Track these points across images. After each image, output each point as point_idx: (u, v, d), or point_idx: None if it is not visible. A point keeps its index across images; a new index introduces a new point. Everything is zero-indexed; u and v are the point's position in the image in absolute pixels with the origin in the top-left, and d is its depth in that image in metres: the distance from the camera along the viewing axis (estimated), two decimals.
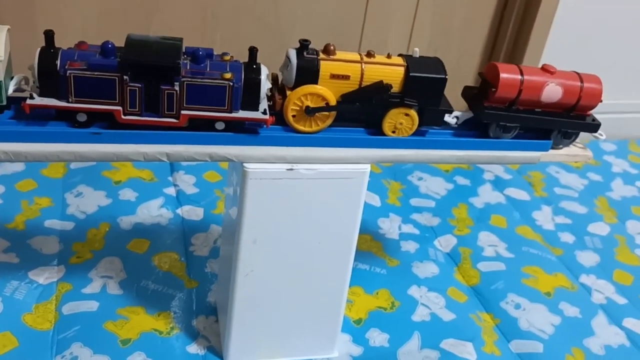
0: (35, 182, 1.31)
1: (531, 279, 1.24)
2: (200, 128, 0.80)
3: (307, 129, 0.84)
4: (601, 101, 0.91)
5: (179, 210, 1.29)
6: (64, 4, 1.35)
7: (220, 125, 0.81)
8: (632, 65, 1.78)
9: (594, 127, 0.93)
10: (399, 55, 0.87)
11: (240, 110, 0.80)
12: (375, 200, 1.42)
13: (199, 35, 1.45)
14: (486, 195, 1.50)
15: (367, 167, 0.85)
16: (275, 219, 0.86)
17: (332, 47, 0.83)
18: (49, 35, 0.76)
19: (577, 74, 0.91)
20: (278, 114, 0.83)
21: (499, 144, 0.90)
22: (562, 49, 1.66)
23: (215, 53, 0.81)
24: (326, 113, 0.83)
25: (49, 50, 0.75)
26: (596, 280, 1.27)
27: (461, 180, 1.55)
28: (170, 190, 1.35)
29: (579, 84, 0.90)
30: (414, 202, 1.44)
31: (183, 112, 0.78)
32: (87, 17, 1.37)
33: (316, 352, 1.01)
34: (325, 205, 0.87)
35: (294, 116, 0.83)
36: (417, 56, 0.86)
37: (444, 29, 1.63)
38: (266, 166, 0.82)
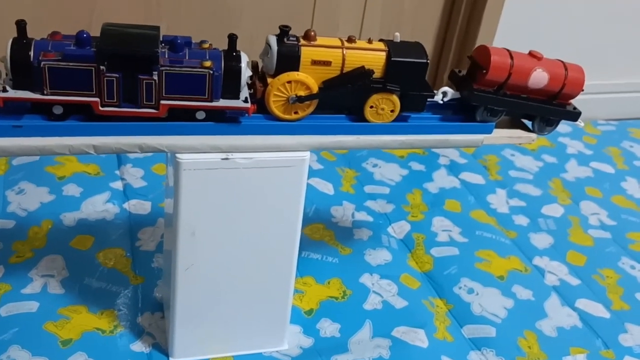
0: None
1: (484, 263, 1.23)
2: (180, 118, 0.78)
3: (289, 116, 0.82)
4: (583, 90, 0.91)
5: (125, 205, 1.26)
6: None
7: (200, 115, 0.78)
8: (583, 45, 1.79)
9: (575, 115, 0.93)
10: (380, 40, 0.85)
11: (221, 99, 0.78)
12: (329, 189, 1.40)
13: (143, 20, 1.41)
14: (441, 180, 1.49)
15: (307, 155, 0.83)
16: (214, 210, 0.83)
17: (312, 33, 0.81)
18: (21, 25, 0.73)
19: (562, 62, 0.91)
20: (259, 102, 0.81)
21: (443, 127, 0.89)
22: (515, 27, 1.66)
23: (193, 41, 0.79)
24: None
25: (21, 41, 0.72)
26: (549, 262, 1.27)
27: (416, 166, 1.53)
28: (117, 184, 1.31)
29: (563, 71, 0.90)
30: (368, 189, 1.43)
31: (162, 102, 0.76)
32: (22, 5, 1.32)
33: (265, 345, 0.99)
34: (264, 195, 0.84)
35: (276, 104, 0.81)
36: (398, 41, 0.85)
37: (396, 11, 1.61)
38: (200, 156, 0.79)
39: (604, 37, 1.83)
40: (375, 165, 1.51)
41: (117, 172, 1.35)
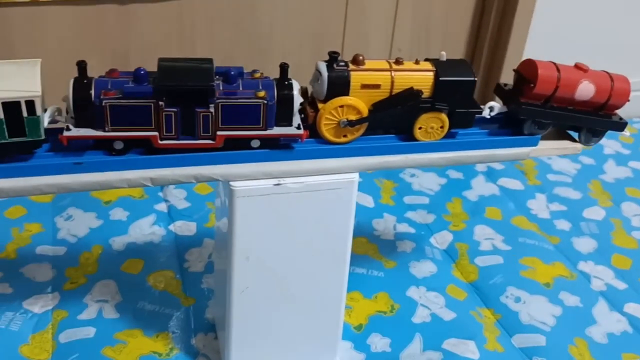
0: (24, 208, 1.30)
1: (529, 270, 1.23)
2: (236, 147, 0.80)
3: (340, 140, 0.84)
4: (629, 101, 0.92)
5: (171, 227, 1.28)
6: (39, 25, 1.33)
7: (255, 143, 0.80)
8: (617, 42, 1.77)
9: (621, 125, 0.94)
10: (426, 59, 0.87)
11: (275, 127, 0.80)
12: (369, 201, 1.41)
13: (177, 45, 1.44)
14: (480, 187, 1.49)
15: (355, 176, 0.84)
16: (267, 234, 0.85)
17: (361, 58, 0.83)
18: (82, 66, 0.75)
19: (607, 73, 0.92)
20: (311, 127, 0.83)
21: (489, 142, 0.89)
22: (545, 37, 1.65)
23: (245, 71, 0.81)
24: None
25: (82, 80, 0.75)
26: (595, 266, 1.27)
27: (454, 174, 1.54)
28: (162, 207, 1.34)
29: (609, 82, 0.91)
30: (408, 199, 1.43)
31: (219, 132, 0.78)
32: (61, 36, 1.35)
33: None
34: (315, 217, 0.86)
35: (327, 129, 0.83)
36: (445, 59, 0.86)
37: (426, 23, 1.61)
38: (253, 183, 0.81)
39: (635, 34, 1.81)
40: (412, 175, 1.52)
41: (161, 194, 1.38)
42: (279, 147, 0.82)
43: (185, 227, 1.28)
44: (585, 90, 0.89)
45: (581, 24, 1.72)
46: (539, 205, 1.45)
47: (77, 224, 1.26)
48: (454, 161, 0.88)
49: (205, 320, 1.07)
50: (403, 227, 1.34)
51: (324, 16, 1.52)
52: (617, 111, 0.94)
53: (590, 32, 1.73)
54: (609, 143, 1.74)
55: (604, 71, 0.91)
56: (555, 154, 0.92)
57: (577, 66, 0.90)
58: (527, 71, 0.89)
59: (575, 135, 0.95)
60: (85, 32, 1.37)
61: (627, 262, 1.29)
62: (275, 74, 0.82)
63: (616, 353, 1.07)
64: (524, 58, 0.98)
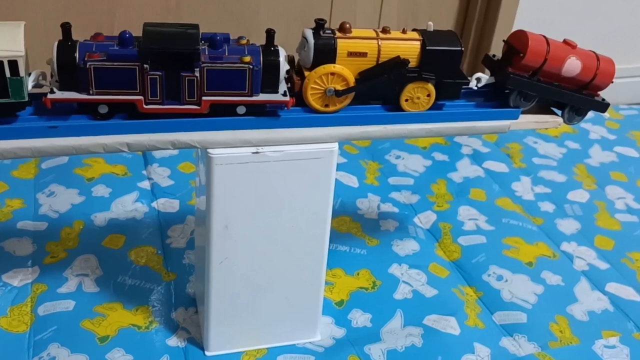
0: (5, 184, 1.29)
1: (512, 249, 1.24)
2: (222, 113, 0.80)
3: (327, 109, 0.84)
4: (612, 82, 0.92)
5: (154, 204, 1.27)
6: (23, 3, 1.32)
7: (241, 110, 0.80)
8: (604, 29, 1.78)
9: (604, 106, 0.94)
10: (414, 29, 0.86)
11: (261, 94, 0.79)
12: (353, 181, 1.41)
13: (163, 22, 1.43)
14: (465, 169, 1.49)
15: (335, 146, 0.84)
16: (245, 204, 0.85)
17: (347, 25, 0.83)
18: (66, 27, 0.74)
19: (595, 53, 0.92)
20: (297, 95, 0.83)
21: (469, 115, 0.89)
22: (534, 12, 1.65)
23: (231, 37, 0.80)
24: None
25: (67, 43, 0.74)
26: (577, 247, 1.27)
27: (439, 156, 1.54)
28: (145, 184, 1.33)
29: (596, 62, 0.91)
30: (393, 180, 1.43)
31: (204, 98, 0.78)
32: (47, 12, 1.34)
33: (298, 336, 1.00)
34: (295, 187, 0.85)
35: (314, 97, 0.82)
36: (432, 30, 0.86)
37: (412, 1, 1.61)
38: (231, 150, 0.80)
39: (625, 21, 1.82)
40: (398, 157, 1.52)
41: (144, 172, 1.37)
42: (265, 115, 0.81)
43: (168, 205, 1.27)
44: (572, 66, 0.89)
45: (571, 4, 1.71)
46: (523, 188, 1.45)
47: (59, 200, 1.25)
48: (434, 132, 0.88)
49: (186, 295, 1.07)
50: (387, 207, 1.34)
51: None
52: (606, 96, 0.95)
53: (580, 11, 1.73)
54: (595, 128, 1.75)
55: (591, 51, 0.91)
56: (536, 127, 0.92)
57: (566, 42, 0.90)
58: (518, 42, 0.89)
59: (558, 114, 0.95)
60: (70, 9, 1.36)
61: (610, 243, 1.29)
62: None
63: (596, 330, 1.08)
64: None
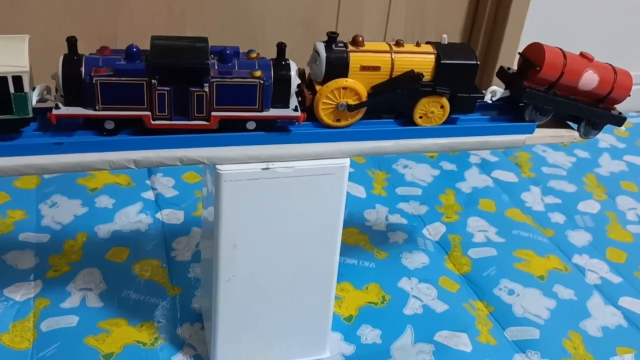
0: (7, 194, 1.26)
1: (523, 262, 1.21)
2: (231, 129, 0.77)
3: (338, 123, 0.82)
4: (629, 95, 0.90)
5: (158, 215, 1.25)
6: (24, 11, 1.30)
7: (251, 125, 0.78)
8: (612, 36, 1.76)
9: (620, 120, 0.93)
10: (427, 42, 0.84)
11: (271, 109, 0.77)
12: (361, 192, 1.39)
13: (166, 31, 1.41)
14: (473, 179, 1.47)
15: (347, 162, 0.82)
16: (255, 221, 0.82)
17: (360, 39, 0.80)
18: (72, 41, 0.72)
19: (611, 66, 0.90)
20: (308, 110, 0.80)
21: (483, 129, 0.87)
22: (543, 22, 1.63)
23: (241, 51, 0.78)
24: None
25: (72, 57, 0.72)
26: (589, 259, 1.25)
27: (447, 166, 1.51)
28: (149, 195, 1.31)
29: (613, 75, 0.89)
30: (400, 191, 1.41)
31: (213, 113, 0.75)
32: (48, 19, 1.32)
33: (307, 353, 0.98)
34: (305, 204, 0.83)
35: (325, 112, 0.80)
36: (446, 43, 0.84)
37: (420, 10, 1.59)
38: (241, 167, 0.78)
39: (633, 27, 1.80)
40: (405, 167, 1.50)
41: (148, 182, 1.35)
42: (274, 130, 0.79)
43: (172, 216, 1.25)
44: (589, 79, 0.87)
45: (579, 13, 1.70)
46: (533, 198, 1.42)
47: (62, 211, 1.23)
48: (448, 147, 0.86)
49: (191, 310, 1.05)
50: (395, 218, 1.31)
51: (317, 3, 1.49)
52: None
53: (589, 20, 1.71)
54: (604, 137, 1.72)
55: (608, 63, 0.89)
56: (552, 141, 0.90)
57: (583, 55, 0.88)
58: (534, 55, 0.87)
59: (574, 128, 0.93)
60: (72, 18, 1.34)
61: (622, 255, 1.27)
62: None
63: (611, 347, 1.05)
64: (520, 45, 0.96)
